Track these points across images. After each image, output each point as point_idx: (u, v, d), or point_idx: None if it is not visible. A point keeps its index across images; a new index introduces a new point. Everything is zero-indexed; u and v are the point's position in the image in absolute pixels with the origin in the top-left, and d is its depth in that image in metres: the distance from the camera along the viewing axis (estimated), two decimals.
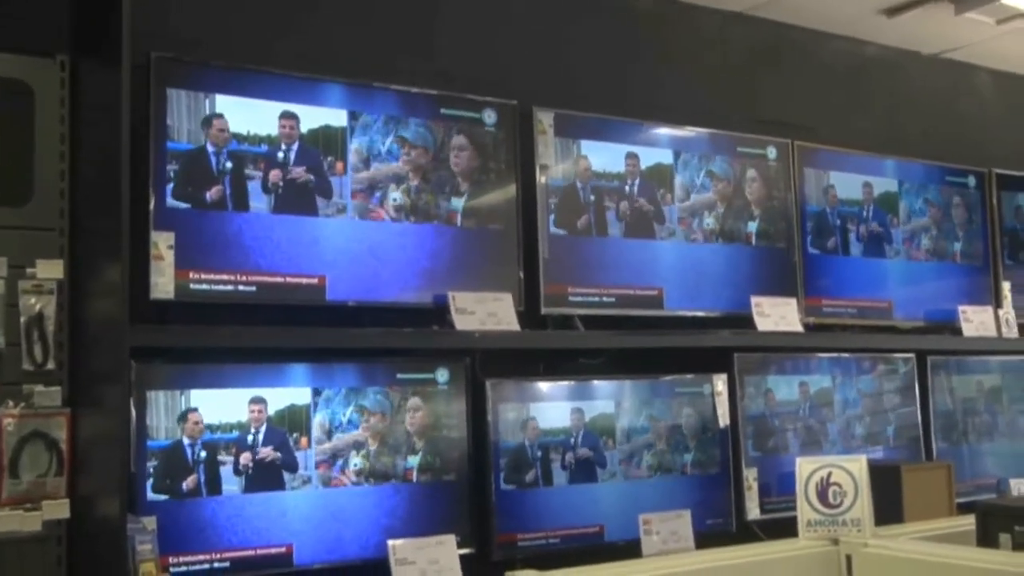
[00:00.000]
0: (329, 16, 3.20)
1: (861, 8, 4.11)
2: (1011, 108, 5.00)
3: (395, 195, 3.04)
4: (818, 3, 4.01)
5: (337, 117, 2.97)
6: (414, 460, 2.98)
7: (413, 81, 3.14)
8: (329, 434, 2.87)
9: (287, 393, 2.84)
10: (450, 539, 2.93)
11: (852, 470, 2.25)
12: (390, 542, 2.85)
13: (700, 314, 3.56)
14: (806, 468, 2.28)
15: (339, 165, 2.96)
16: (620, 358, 3.47)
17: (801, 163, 3.88)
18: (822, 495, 2.27)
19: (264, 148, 2.85)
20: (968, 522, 2.39)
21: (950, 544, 2.36)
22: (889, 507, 2.87)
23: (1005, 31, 4.33)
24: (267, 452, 2.76)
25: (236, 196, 2.80)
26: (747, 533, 3.45)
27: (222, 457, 2.71)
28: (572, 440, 3.24)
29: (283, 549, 2.76)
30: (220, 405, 2.73)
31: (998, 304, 4.39)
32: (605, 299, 3.35)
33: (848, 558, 2.24)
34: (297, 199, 2.89)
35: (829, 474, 2.27)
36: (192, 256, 2.71)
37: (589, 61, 3.71)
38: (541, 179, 3.30)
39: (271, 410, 2.80)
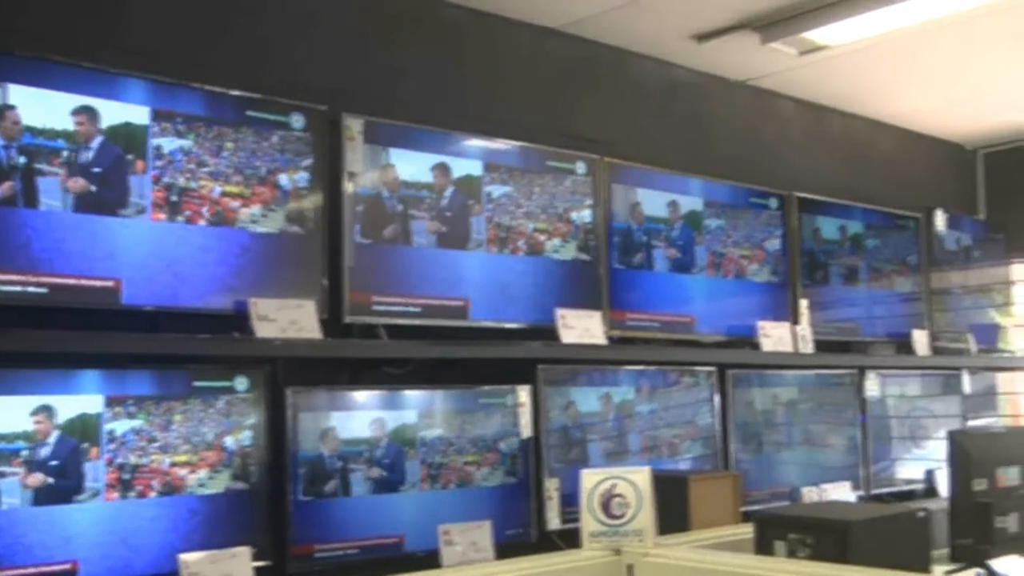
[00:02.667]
0: (136, 9, 3.14)
1: (672, 32, 4.28)
2: (812, 135, 5.29)
3: (197, 198, 2.98)
4: (630, 24, 4.15)
5: (139, 114, 2.92)
6: (211, 470, 2.94)
7: (220, 81, 3.11)
8: (121, 444, 2.80)
9: (77, 401, 2.76)
10: (245, 551, 2.92)
11: (636, 481, 2.33)
12: (181, 556, 2.82)
13: (506, 325, 3.65)
14: (590, 480, 2.35)
15: (139, 164, 2.91)
16: (425, 368, 3.51)
17: (609, 179, 4.01)
18: (606, 506, 2.33)
19: (60, 143, 2.78)
20: (750, 530, 2.50)
21: (729, 552, 2.46)
22: (676, 516, 2.99)
23: (807, 62, 4.59)
24: (53, 463, 2.66)
25: (28, 193, 2.72)
26: (548, 543, 3.53)
27: (4, 468, 2.60)
28: (374, 450, 3.26)
29: (67, 566, 2.69)
30: (3, 413, 2.63)
31: (796, 321, 4.64)
32: (410, 309, 3.39)
33: (630, 567, 2.31)
34: (94, 198, 2.82)
35: (613, 485, 2.34)
36: None
37: (403, 70, 3.76)
38: (348, 186, 3.31)
39: (60, 419, 2.70)
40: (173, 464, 2.89)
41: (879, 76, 4.91)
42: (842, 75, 4.85)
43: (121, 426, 2.81)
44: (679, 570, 2.24)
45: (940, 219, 5.54)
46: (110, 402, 2.80)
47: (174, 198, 2.96)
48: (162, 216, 2.93)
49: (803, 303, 4.70)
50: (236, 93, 3.11)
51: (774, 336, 4.45)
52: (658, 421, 4.08)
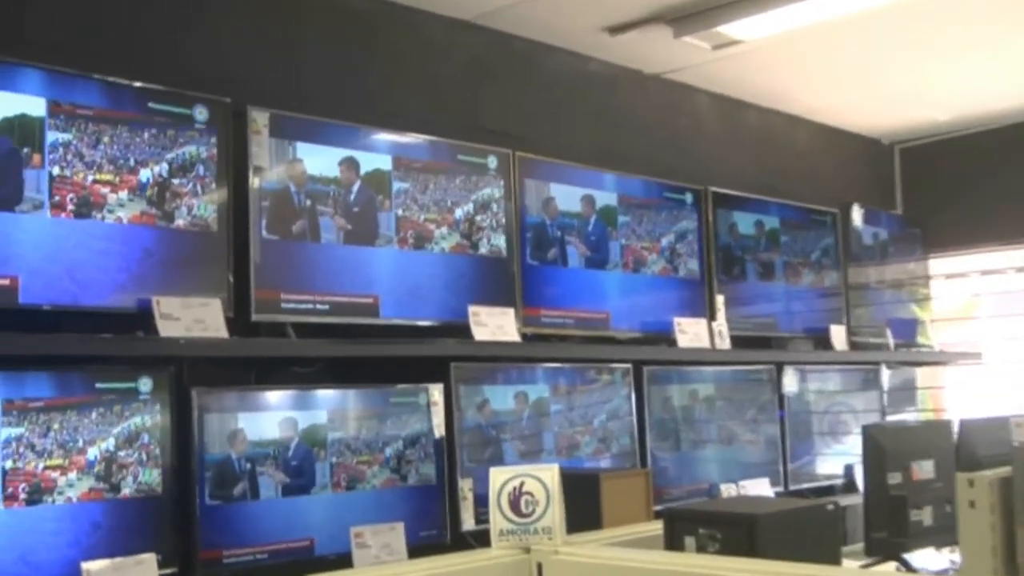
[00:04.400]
0: None
1: (584, 25, 4.36)
2: (727, 130, 5.41)
3: (98, 192, 2.98)
4: (542, 17, 4.23)
5: (35, 106, 2.91)
6: (114, 475, 2.95)
7: (120, 72, 3.11)
8: (18, 449, 2.79)
9: None
10: (150, 558, 2.94)
11: (544, 479, 2.38)
12: (83, 565, 2.83)
13: (417, 323, 3.70)
14: (499, 478, 2.40)
15: (36, 158, 2.91)
16: (336, 367, 3.55)
17: (522, 174, 4.09)
18: (514, 504, 2.39)
19: None
20: (661, 527, 2.57)
21: (640, 549, 2.53)
22: (588, 515, 3.05)
23: (721, 56, 4.70)
24: None
25: None
26: (462, 544, 3.58)
27: None
28: (282, 452, 3.28)
29: None
30: None
31: (712, 316, 4.74)
32: (319, 306, 3.42)
33: (539, 566, 2.36)
34: None
35: (522, 483, 2.39)
36: None
37: (311, 62, 3.79)
38: (254, 181, 3.34)
39: None
40: (68, 470, 2.88)
41: (794, 71, 5.05)
42: (757, 70, 4.98)
43: (17, 431, 2.81)
44: (588, 567, 2.30)
45: (857, 214, 5.70)
46: (6, 406, 2.79)
47: (72, 194, 2.96)
48: (60, 212, 2.93)
49: (719, 299, 4.81)
50: (138, 85, 3.12)
51: (690, 332, 4.54)
52: (574, 419, 4.16)
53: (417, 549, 3.37)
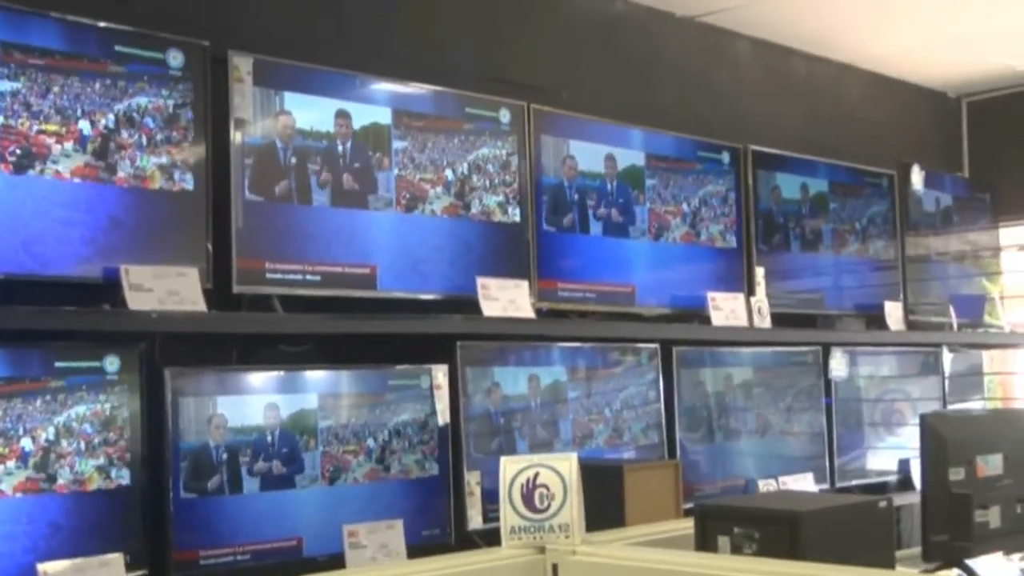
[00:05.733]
0: None
1: None
2: (770, 81, 5.38)
3: (57, 148, 2.97)
4: None
5: None
6: (76, 465, 2.96)
7: (81, 9, 3.08)
8: None
9: None
10: (117, 559, 2.96)
11: (561, 470, 2.37)
12: (40, 566, 2.84)
13: (420, 297, 3.70)
14: (511, 468, 2.39)
15: None
16: (327, 346, 3.56)
17: (538, 129, 4.08)
18: (527, 498, 2.38)
19: None
20: (691, 525, 2.57)
21: (668, 549, 2.53)
22: (609, 511, 3.05)
23: None
24: None
25: None
26: (468, 544, 3.60)
27: None
28: (266, 440, 3.28)
29: None
30: None
31: (751, 291, 4.73)
32: (309, 277, 3.42)
33: (554, 567, 2.36)
34: None
35: (536, 475, 2.38)
36: None
37: (300, 2, 3.74)
38: (236, 136, 3.33)
39: None
40: (27, 457, 2.88)
41: (849, 12, 5.01)
42: (806, 11, 4.94)
43: None
44: (610, 569, 2.30)
45: (917, 176, 5.66)
46: None
47: (24, 147, 2.94)
48: (11, 170, 2.92)
49: (759, 271, 4.79)
50: (103, 25, 3.11)
51: (726, 309, 4.53)
52: (594, 406, 4.16)
53: (418, 549, 3.38)
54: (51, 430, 2.92)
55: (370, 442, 3.50)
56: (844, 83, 5.80)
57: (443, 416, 3.67)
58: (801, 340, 4.96)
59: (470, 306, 3.74)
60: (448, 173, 3.79)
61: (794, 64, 5.53)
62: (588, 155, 4.24)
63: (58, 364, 2.97)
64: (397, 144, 3.67)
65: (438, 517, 3.64)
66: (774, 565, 2.22)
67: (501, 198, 3.93)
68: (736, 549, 2.47)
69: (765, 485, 4.66)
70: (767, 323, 4.68)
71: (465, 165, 3.84)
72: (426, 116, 3.76)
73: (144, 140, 3.15)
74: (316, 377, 3.45)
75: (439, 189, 3.76)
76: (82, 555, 2.91)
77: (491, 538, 3.58)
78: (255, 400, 3.31)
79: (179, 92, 3.22)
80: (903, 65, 5.90)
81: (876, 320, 5.31)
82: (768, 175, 4.93)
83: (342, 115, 3.55)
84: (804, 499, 3.19)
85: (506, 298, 3.80)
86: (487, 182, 3.89)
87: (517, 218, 3.98)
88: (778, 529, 2.41)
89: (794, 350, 4.95)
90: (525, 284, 3.90)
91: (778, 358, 4.88)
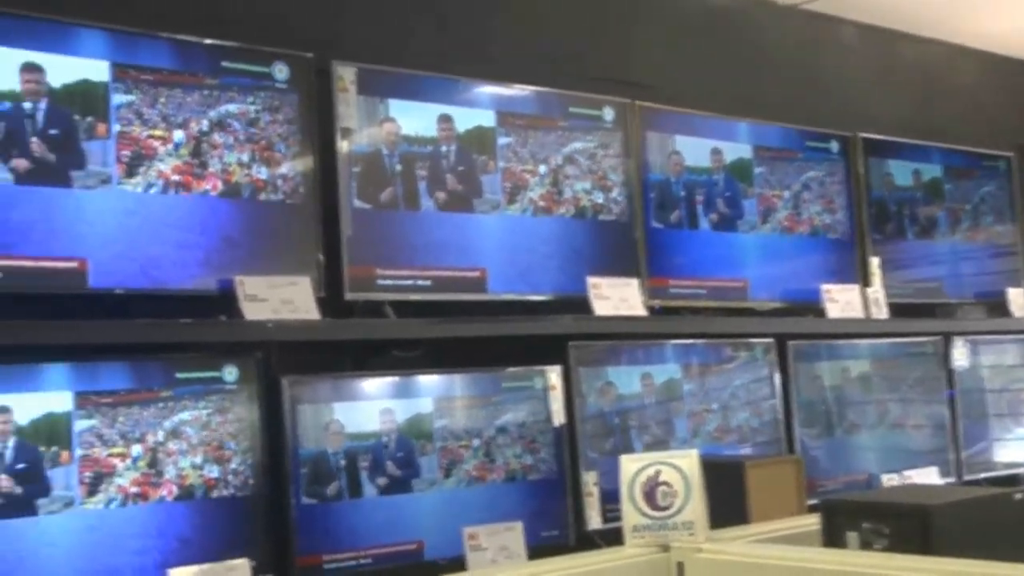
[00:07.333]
0: None
1: None
2: (878, 66, 5.28)
3: (169, 162, 3.03)
4: None
5: (97, 70, 2.96)
6: (199, 473, 3.00)
7: (188, 28, 3.14)
8: (94, 446, 2.85)
9: (41, 399, 2.80)
10: (243, 564, 2.98)
11: (683, 467, 2.35)
12: (170, 571, 2.87)
13: (530, 298, 3.70)
14: (631, 467, 2.37)
15: (100, 127, 2.95)
16: (438, 350, 3.56)
17: (642, 126, 4.05)
18: (649, 496, 2.36)
19: (6, 106, 2.80)
20: (817, 522, 2.52)
21: (794, 545, 2.49)
22: (732, 508, 3.01)
23: None
24: (11, 476, 2.69)
25: None
26: (588, 544, 3.57)
27: None
28: (383, 445, 3.29)
29: None
30: None
31: (866, 282, 4.65)
32: (419, 282, 3.44)
33: (680, 565, 2.34)
34: (45, 168, 2.86)
35: (657, 472, 2.36)
36: None
37: (400, 9, 3.77)
38: (342, 145, 3.35)
39: (24, 419, 2.75)
40: (153, 468, 2.93)
41: None
42: None
43: (93, 424, 2.85)
44: (737, 567, 2.26)
45: None
46: (80, 399, 2.85)
47: (140, 164, 3.00)
48: (129, 185, 2.97)
49: (874, 261, 4.72)
50: (209, 42, 3.15)
51: (841, 300, 4.47)
52: (709, 403, 4.12)
53: (538, 551, 3.37)
54: (177, 440, 2.97)
55: (485, 444, 3.50)
56: (955, 65, 5.67)
57: (558, 417, 3.66)
58: (921, 331, 4.86)
59: (580, 306, 3.73)
60: (553, 173, 3.78)
61: (902, 48, 5.42)
62: (694, 150, 4.20)
63: (179, 375, 3.01)
64: (502, 145, 3.67)
65: (557, 518, 3.62)
66: (908, 561, 2.17)
67: (608, 196, 3.91)
68: (866, 545, 2.41)
69: (888, 480, 4.57)
70: (884, 314, 4.60)
71: (570, 165, 3.82)
72: (529, 116, 3.76)
73: (255, 154, 3.19)
74: (430, 381, 3.46)
75: (544, 189, 3.75)
76: (209, 561, 2.93)
77: (611, 538, 3.55)
78: (370, 406, 3.33)
79: (286, 104, 3.26)
80: (1019, 44, 5.76)
81: (998, 307, 5.19)
82: (879, 162, 4.85)
83: (446, 119, 3.56)
84: (935, 492, 3.13)
85: (617, 297, 3.78)
86: (593, 181, 3.88)
87: (625, 216, 3.96)
88: (910, 523, 2.36)
89: (913, 341, 4.84)
90: (635, 282, 3.87)
91: (897, 349, 4.78)
